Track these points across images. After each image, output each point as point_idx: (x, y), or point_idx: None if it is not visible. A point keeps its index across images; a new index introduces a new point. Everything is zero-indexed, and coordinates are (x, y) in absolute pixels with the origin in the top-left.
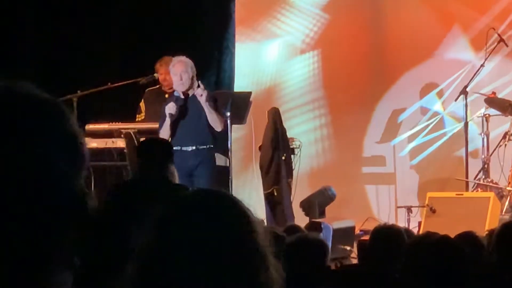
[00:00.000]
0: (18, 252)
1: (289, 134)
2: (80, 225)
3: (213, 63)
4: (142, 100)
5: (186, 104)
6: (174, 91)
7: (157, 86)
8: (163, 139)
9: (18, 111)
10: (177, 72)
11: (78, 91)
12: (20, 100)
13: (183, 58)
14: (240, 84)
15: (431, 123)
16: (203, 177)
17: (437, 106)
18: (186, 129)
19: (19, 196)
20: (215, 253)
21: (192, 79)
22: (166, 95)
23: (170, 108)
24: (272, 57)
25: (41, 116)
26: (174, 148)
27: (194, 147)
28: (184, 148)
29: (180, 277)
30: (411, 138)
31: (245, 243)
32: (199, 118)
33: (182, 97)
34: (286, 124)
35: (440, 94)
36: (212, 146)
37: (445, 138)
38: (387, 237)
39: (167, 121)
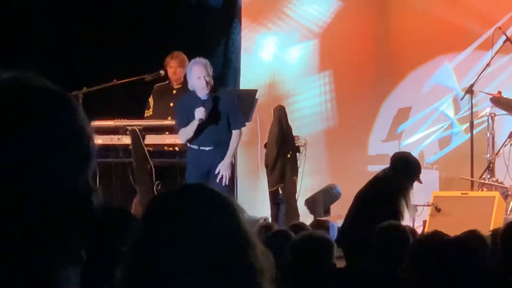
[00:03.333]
0: (21, 248)
1: (294, 132)
2: (86, 220)
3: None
4: (151, 96)
5: (207, 105)
6: (182, 86)
7: (166, 81)
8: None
9: (23, 103)
10: (201, 76)
11: (84, 88)
12: (26, 91)
13: (200, 59)
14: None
15: (437, 122)
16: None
17: (444, 105)
18: (205, 130)
19: (21, 190)
20: (199, 242)
21: (213, 78)
22: (174, 91)
23: (201, 113)
24: (274, 57)
25: (47, 109)
26: (193, 147)
27: (212, 147)
28: (202, 148)
29: (166, 270)
30: (417, 139)
31: (229, 231)
32: (218, 119)
33: (206, 98)
34: (291, 122)
35: (447, 94)
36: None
37: (451, 138)
38: (392, 236)
39: (195, 124)
